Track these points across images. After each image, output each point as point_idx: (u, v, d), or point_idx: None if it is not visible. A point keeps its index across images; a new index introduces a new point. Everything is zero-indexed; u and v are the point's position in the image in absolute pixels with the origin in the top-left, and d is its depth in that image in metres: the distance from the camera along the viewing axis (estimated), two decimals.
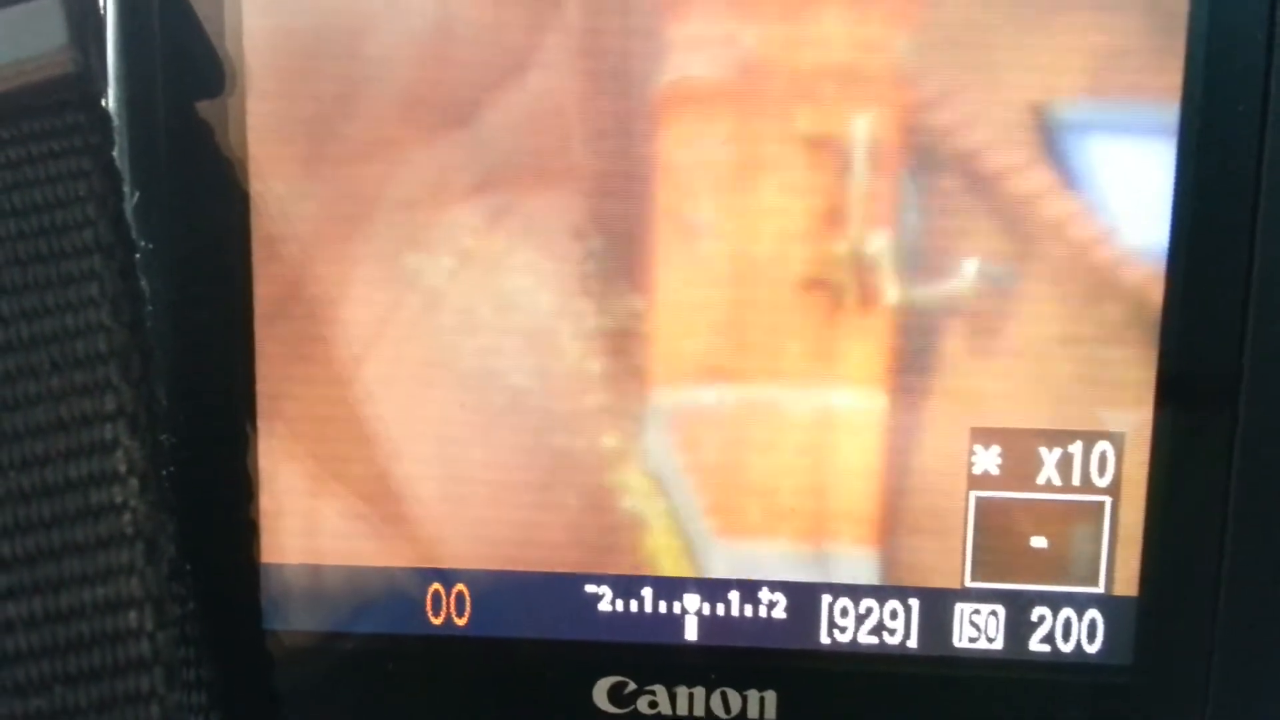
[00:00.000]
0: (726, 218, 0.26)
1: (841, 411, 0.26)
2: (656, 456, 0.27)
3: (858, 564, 0.27)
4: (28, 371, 0.22)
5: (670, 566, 0.27)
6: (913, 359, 0.26)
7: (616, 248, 0.26)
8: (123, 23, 0.25)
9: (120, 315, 0.22)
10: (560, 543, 0.27)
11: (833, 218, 0.26)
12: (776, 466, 0.27)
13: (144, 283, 0.24)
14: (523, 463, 0.27)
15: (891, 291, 0.26)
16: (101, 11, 0.25)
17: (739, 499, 0.27)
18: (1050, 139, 0.25)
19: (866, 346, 0.26)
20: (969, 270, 0.26)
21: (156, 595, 0.22)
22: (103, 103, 0.24)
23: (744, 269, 0.26)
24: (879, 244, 0.26)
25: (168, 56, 0.25)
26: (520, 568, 0.27)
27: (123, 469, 0.22)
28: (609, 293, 0.26)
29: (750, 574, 0.27)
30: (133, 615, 0.22)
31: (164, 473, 0.23)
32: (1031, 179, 0.25)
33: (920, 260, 0.26)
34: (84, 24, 0.23)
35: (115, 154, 0.24)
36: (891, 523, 0.27)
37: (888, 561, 0.27)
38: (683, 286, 0.26)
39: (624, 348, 0.26)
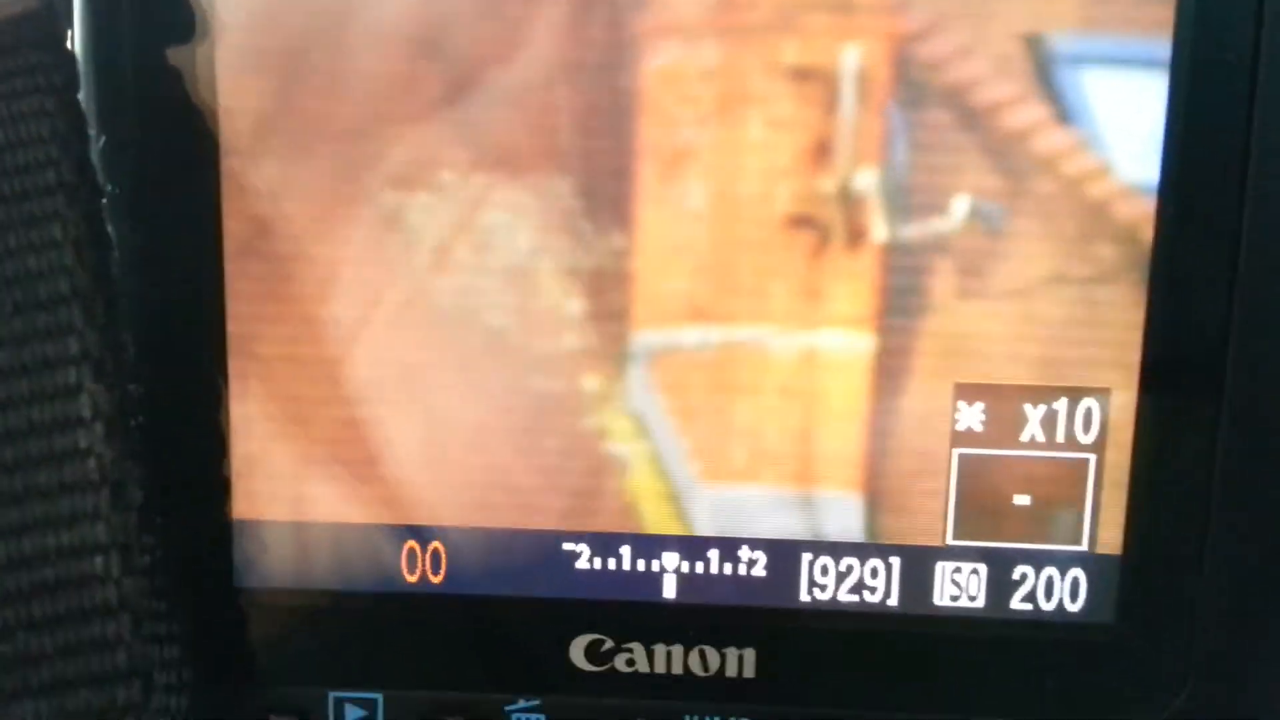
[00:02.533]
0: (710, 153, 0.25)
1: (827, 354, 0.26)
2: (638, 399, 0.26)
3: (842, 510, 0.26)
4: None
5: (653, 511, 0.27)
6: (900, 300, 0.25)
7: (598, 184, 0.25)
8: None
9: (84, 258, 0.22)
10: (541, 487, 0.27)
11: (819, 153, 0.25)
12: (761, 410, 0.26)
13: (110, 228, 0.23)
14: (503, 405, 0.26)
15: (879, 230, 0.25)
16: None
17: (723, 442, 0.26)
18: (1043, 72, 0.25)
19: (853, 287, 0.26)
20: (959, 208, 0.25)
21: (123, 541, 0.22)
22: (66, 43, 0.23)
23: (728, 206, 0.25)
24: (867, 181, 0.25)
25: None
26: (497, 525, 0.27)
27: (87, 414, 0.22)
28: (590, 230, 0.26)
29: (734, 519, 0.27)
30: (98, 560, 0.22)
31: (132, 421, 0.22)
32: (1023, 113, 0.25)
33: (909, 197, 0.25)
34: None
35: (81, 96, 0.24)
36: (875, 473, 0.26)
37: (871, 512, 0.26)
38: (666, 224, 0.26)
39: (606, 287, 0.26)
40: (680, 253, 0.26)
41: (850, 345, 0.26)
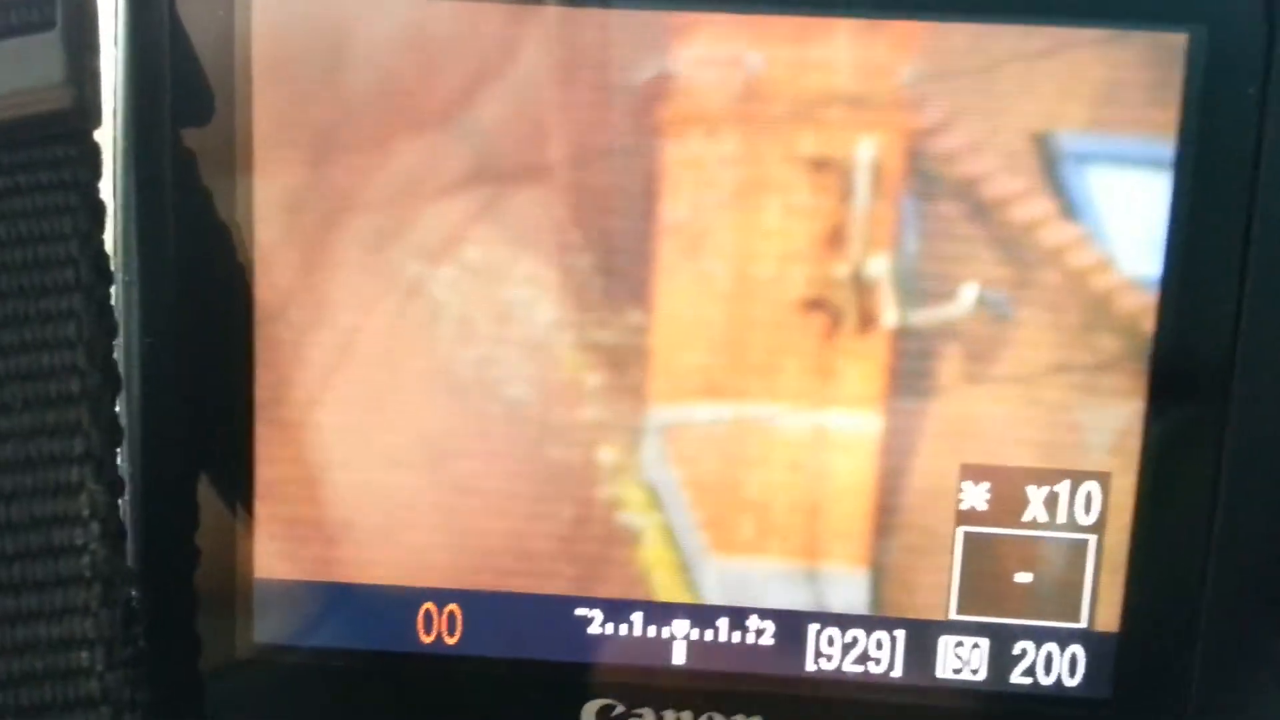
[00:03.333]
0: (729, 237, 0.26)
1: (837, 433, 0.27)
2: (653, 471, 0.27)
3: (848, 585, 0.27)
4: None
5: (664, 580, 0.27)
6: (908, 382, 0.26)
7: (620, 263, 0.26)
8: (133, 43, 0.25)
9: (95, 358, 0.22)
10: (555, 554, 0.27)
11: (834, 240, 0.26)
12: (771, 485, 0.27)
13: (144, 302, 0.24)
14: (520, 473, 0.27)
15: (890, 315, 0.26)
16: (115, 24, 0.25)
17: (734, 515, 0.27)
18: (1051, 168, 0.25)
19: (863, 368, 0.26)
20: (967, 296, 0.26)
21: (109, 636, 0.22)
22: (92, 137, 0.23)
23: (745, 288, 0.26)
24: (879, 267, 0.26)
25: (177, 76, 0.26)
26: (512, 589, 0.28)
27: (85, 512, 0.22)
28: (610, 307, 0.26)
29: (742, 590, 0.27)
30: (84, 654, 0.22)
31: (120, 512, 0.23)
32: (1031, 207, 0.25)
33: (919, 284, 0.26)
34: (82, 59, 0.23)
35: (120, 172, 0.25)
36: (881, 549, 0.27)
37: (876, 588, 0.27)
38: (684, 303, 0.26)
39: (624, 362, 0.26)
40: (697, 331, 0.26)
41: (859, 424, 0.26)
